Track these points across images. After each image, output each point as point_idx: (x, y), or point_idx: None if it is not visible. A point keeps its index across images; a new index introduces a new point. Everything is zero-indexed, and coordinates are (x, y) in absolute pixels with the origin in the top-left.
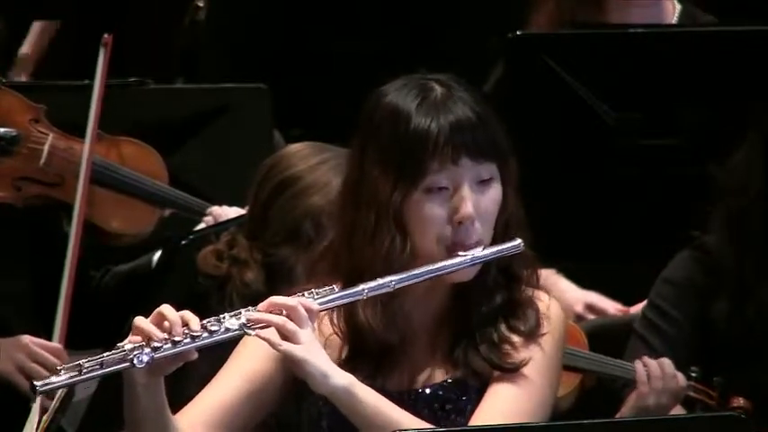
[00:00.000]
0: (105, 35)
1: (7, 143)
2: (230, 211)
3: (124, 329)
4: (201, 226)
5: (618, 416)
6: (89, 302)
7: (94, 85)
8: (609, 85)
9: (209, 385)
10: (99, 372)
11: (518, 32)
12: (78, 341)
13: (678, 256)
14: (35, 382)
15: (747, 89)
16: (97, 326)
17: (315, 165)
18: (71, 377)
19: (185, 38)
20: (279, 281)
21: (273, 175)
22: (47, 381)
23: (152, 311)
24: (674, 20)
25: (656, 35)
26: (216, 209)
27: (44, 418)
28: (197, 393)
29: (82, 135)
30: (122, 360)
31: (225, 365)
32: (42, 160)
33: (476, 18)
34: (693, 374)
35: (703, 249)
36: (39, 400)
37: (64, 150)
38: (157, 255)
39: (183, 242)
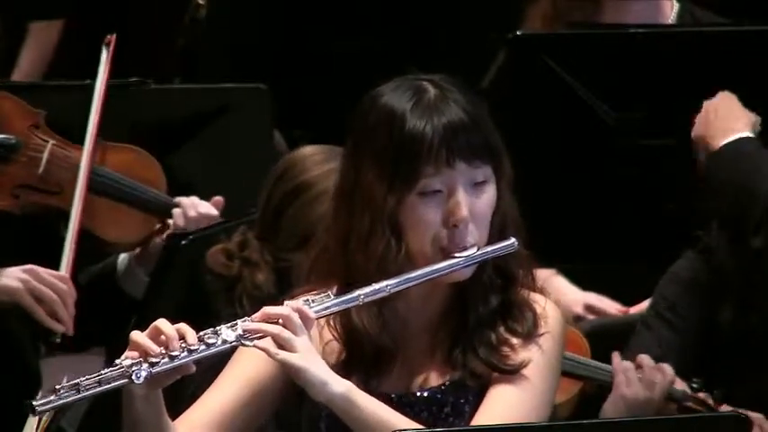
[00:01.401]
0: (108, 35)
1: (6, 150)
2: (201, 205)
3: (97, 328)
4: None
5: (601, 413)
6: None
7: (96, 85)
8: (609, 85)
9: (207, 391)
10: (98, 389)
11: (518, 32)
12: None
13: (685, 255)
14: (33, 402)
15: (747, 89)
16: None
17: (328, 171)
18: (70, 396)
19: (185, 37)
20: (289, 285)
21: (287, 180)
22: (46, 400)
23: (152, 313)
24: (672, 19)
25: (656, 35)
26: (184, 199)
27: (44, 418)
28: (195, 394)
29: (83, 136)
30: (121, 376)
31: (224, 371)
32: (41, 168)
33: (475, 18)
34: (695, 386)
35: (708, 253)
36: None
37: (63, 158)
38: (122, 255)
39: (184, 242)
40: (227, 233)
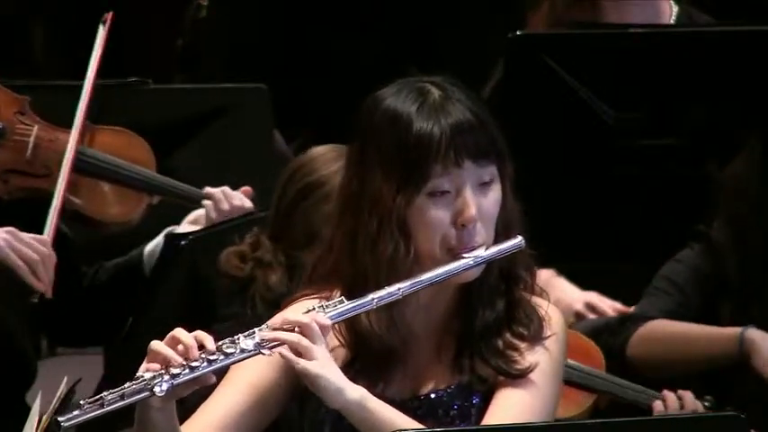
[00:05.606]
0: (106, 14)
1: None
2: (233, 195)
3: (120, 324)
4: (195, 214)
5: None
6: (83, 300)
7: (90, 63)
8: (609, 85)
9: (212, 395)
10: (120, 403)
11: (518, 32)
12: (75, 339)
13: (690, 245)
14: (59, 418)
15: (747, 89)
16: (92, 323)
17: (338, 169)
18: (94, 411)
19: (185, 37)
20: (299, 285)
21: (298, 179)
22: (70, 415)
23: (151, 314)
24: (672, 21)
25: (655, 35)
26: (216, 191)
27: (44, 418)
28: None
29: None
30: (143, 390)
31: (227, 376)
32: (28, 152)
33: (475, 18)
34: (706, 405)
35: (711, 244)
36: (38, 399)
37: (49, 141)
38: (148, 247)
39: (183, 242)
40: (226, 233)
